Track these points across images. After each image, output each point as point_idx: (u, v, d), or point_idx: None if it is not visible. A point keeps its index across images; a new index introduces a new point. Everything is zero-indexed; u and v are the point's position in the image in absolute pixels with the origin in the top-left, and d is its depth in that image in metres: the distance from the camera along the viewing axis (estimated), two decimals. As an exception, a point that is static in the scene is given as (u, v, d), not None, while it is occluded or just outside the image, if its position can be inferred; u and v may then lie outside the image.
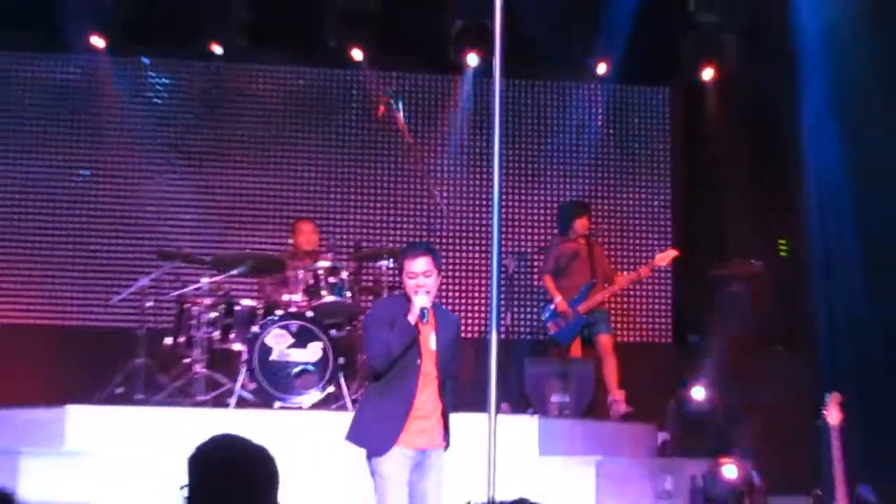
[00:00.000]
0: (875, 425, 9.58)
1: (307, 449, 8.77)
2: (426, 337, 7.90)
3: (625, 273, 12.86)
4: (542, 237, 13.95)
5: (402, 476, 7.77)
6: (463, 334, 13.52)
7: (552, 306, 12.39)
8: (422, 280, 7.79)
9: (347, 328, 11.40)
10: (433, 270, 7.87)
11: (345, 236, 13.27)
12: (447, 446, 8.03)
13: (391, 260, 11.17)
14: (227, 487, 4.13)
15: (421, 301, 7.75)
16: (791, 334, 12.14)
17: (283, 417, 10.49)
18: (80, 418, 10.43)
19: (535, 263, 13.47)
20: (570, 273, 12.44)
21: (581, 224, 12.57)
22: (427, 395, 7.89)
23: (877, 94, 10.96)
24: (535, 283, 13.48)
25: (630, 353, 13.19)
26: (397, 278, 8.50)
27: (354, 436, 7.92)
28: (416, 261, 7.84)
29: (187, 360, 11.48)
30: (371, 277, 11.95)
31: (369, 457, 7.79)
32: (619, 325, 13.29)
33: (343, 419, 8.05)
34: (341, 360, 10.75)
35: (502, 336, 7.68)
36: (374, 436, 7.82)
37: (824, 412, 8.76)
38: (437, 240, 13.00)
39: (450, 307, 13.81)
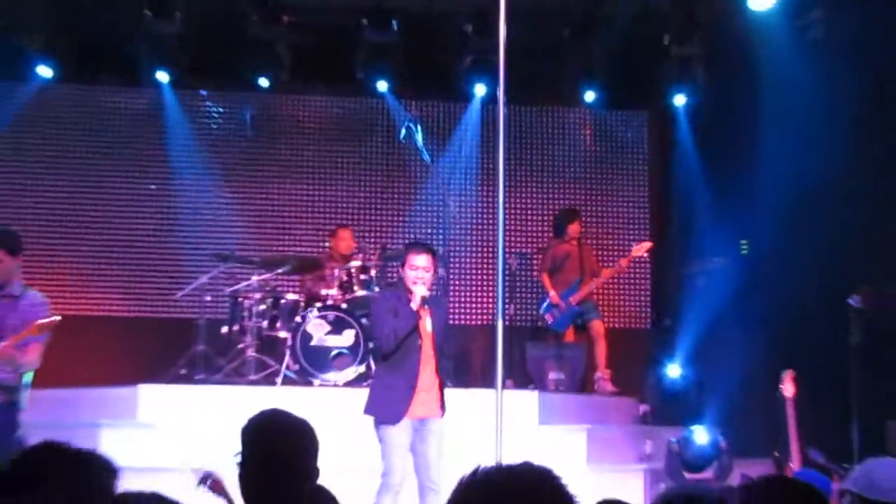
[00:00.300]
0: (823, 397, 9.55)
1: (342, 420, 8.75)
2: (424, 322, 8.05)
3: (607, 268, 12.88)
4: (540, 239, 13.93)
5: (405, 443, 7.89)
6: (474, 322, 13.76)
7: (548, 301, 12.44)
8: (421, 273, 7.99)
9: (376, 317, 11.38)
10: (431, 267, 8.07)
11: (373, 240, 13.26)
12: (443, 413, 8.10)
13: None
14: (274, 454, 4.13)
15: (421, 291, 7.95)
16: (752, 319, 12.10)
17: (321, 393, 10.51)
18: (150, 395, 10.49)
19: (534, 262, 13.45)
20: (564, 270, 12.49)
21: (573, 228, 12.63)
22: (427, 372, 8.03)
23: (825, 114, 10.95)
24: (535, 278, 13.47)
25: (615, 336, 13.16)
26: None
27: (370, 409, 8.05)
28: (420, 257, 8.05)
29: (240, 346, 11.52)
30: (395, 274, 11.93)
31: (378, 424, 7.90)
32: (605, 313, 13.25)
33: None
34: (371, 345, 10.75)
35: (507, 324, 7.66)
36: (384, 408, 7.95)
37: (781, 386, 8.74)
38: (451, 243, 13.01)
39: (461, 300, 13.84)
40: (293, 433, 4.22)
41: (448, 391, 10.24)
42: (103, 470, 3.47)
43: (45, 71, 12.64)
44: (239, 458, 4.20)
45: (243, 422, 4.31)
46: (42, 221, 13.34)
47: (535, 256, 13.45)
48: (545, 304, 12.48)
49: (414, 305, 7.96)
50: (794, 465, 8.41)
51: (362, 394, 8.44)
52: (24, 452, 3.55)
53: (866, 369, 9.60)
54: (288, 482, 3.97)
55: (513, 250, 13.29)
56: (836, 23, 11.32)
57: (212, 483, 5.65)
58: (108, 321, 13.27)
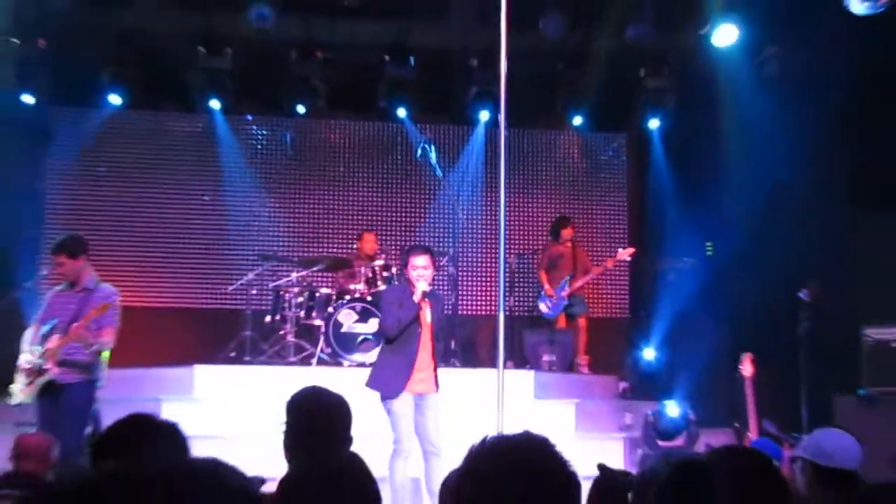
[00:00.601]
0: (776, 376, 9.54)
1: (367, 396, 8.76)
2: (424, 312, 8.09)
3: (596, 266, 12.89)
4: (536, 242, 13.96)
5: (409, 412, 7.94)
6: (479, 312, 13.70)
7: (544, 293, 12.49)
8: (422, 272, 8.04)
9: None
10: (430, 265, 8.11)
11: (393, 242, 13.26)
12: (437, 390, 8.15)
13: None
14: (315, 423, 4.14)
15: (422, 286, 7.99)
16: (715, 310, 12.11)
17: (350, 373, 10.49)
18: (204, 374, 10.52)
19: (533, 260, 13.49)
20: (559, 268, 12.57)
21: (567, 232, 12.72)
22: (424, 355, 8.08)
23: (778, 136, 10.95)
24: (532, 275, 13.53)
25: (599, 324, 13.22)
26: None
27: (372, 384, 8.09)
28: (419, 258, 8.11)
29: (281, 332, 11.55)
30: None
31: (383, 399, 7.96)
32: (591, 304, 13.22)
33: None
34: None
35: (507, 314, 7.65)
36: (388, 384, 8.00)
37: (740, 367, 8.72)
38: (460, 244, 13.03)
39: (468, 293, 13.84)
40: (331, 407, 4.23)
41: (456, 370, 10.30)
42: (178, 438, 3.50)
43: (115, 99, 12.66)
44: (284, 428, 4.21)
45: (284, 397, 4.32)
46: (113, 228, 13.35)
47: (533, 256, 13.53)
48: (541, 297, 12.57)
49: (416, 298, 8.00)
50: (752, 434, 8.40)
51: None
52: (117, 422, 3.59)
53: (812, 352, 9.58)
54: (326, 448, 3.98)
55: (513, 251, 13.31)
56: (787, 59, 11.32)
57: None
58: (168, 311, 13.30)
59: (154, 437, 3.44)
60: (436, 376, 8.18)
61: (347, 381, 9.57)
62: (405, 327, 8.02)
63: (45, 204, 13.21)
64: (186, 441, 3.52)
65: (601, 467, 3.64)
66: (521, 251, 13.86)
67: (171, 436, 3.48)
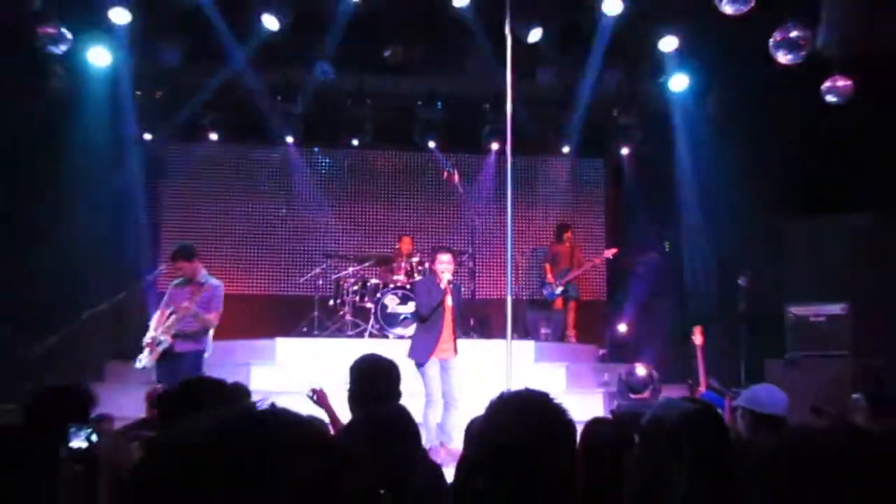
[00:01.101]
0: (720, 344, 9.51)
1: (407, 361, 8.80)
2: (447, 298, 8.20)
3: (587, 261, 12.94)
4: (535, 242, 14.01)
5: (436, 374, 8.10)
6: (492, 296, 13.70)
7: (546, 281, 12.63)
8: (445, 265, 8.21)
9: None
10: (452, 261, 8.29)
11: (425, 243, 13.27)
12: (456, 354, 8.29)
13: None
14: (373, 382, 4.18)
15: (447, 277, 8.14)
16: (674, 292, 12.09)
17: (394, 343, 10.53)
18: (284, 345, 10.60)
19: (533, 256, 13.55)
20: (559, 262, 12.72)
21: (567, 235, 12.94)
22: (447, 331, 8.20)
23: (719, 158, 10.93)
24: (532, 268, 13.57)
25: (584, 305, 13.19)
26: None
27: (410, 354, 8.19)
28: (444, 255, 8.30)
29: (341, 313, 11.61)
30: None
31: (418, 365, 8.09)
32: (579, 289, 13.21)
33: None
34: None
35: (514, 298, 7.69)
36: (420, 354, 8.13)
37: (692, 337, 8.70)
38: (477, 245, 13.05)
39: (484, 282, 13.85)
40: (384, 369, 4.27)
41: (474, 341, 10.31)
42: (242, 394, 3.51)
43: (213, 136, 12.77)
44: (348, 385, 4.25)
45: (345, 362, 4.36)
46: (214, 234, 13.46)
47: (533, 254, 13.73)
48: (543, 285, 12.73)
49: (442, 286, 8.11)
50: (702, 389, 8.37)
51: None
52: (182, 382, 3.59)
53: (748, 326, 9.57)
54: (380, 401, 4.02)
55: (518, 250, 13.34)
56: (725, 100, 11.31)
57: (317, 397, 5.56)
58: (256, 297, 13.37)
59: (213, 394, 3.44)
60: (455, 345, 8.29)
61: (392, 351, 9.66)
62: (434, 309, 8.11)
63: (162, 217, 13.31)
64: (249, 393, 3.51)
65: (613, 413, 3.67)
66: (524, 250, 13.90)
67: (234, 393, 3.49)
